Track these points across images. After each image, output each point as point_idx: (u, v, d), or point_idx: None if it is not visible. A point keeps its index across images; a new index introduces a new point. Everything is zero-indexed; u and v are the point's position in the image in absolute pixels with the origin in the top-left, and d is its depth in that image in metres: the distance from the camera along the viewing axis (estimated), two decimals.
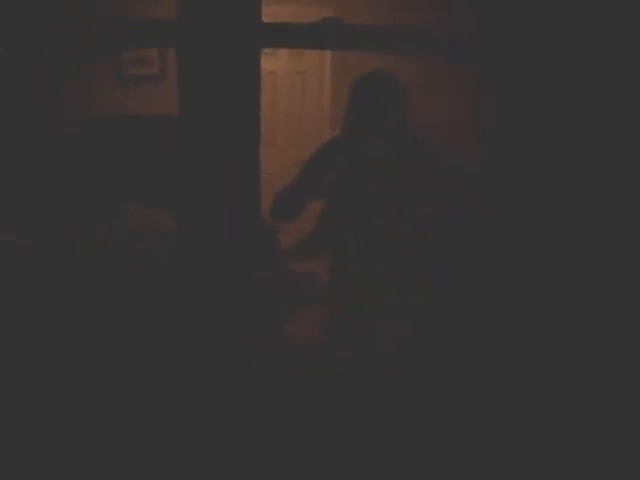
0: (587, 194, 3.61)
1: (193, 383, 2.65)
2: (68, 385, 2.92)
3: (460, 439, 2.87)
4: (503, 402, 2.97)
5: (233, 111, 1.70)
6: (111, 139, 5.18)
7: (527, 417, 2.97)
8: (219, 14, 1.47)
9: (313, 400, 2.89)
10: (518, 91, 4.36)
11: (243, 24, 1.48)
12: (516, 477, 2.82)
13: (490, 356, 3.01)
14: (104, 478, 2.69)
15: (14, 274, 3.13)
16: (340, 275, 3.12)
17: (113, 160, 5.05)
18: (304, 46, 1.87)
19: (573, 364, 3.09)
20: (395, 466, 2.82)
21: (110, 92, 5.60)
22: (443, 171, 3.09)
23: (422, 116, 3.17)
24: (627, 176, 3.19)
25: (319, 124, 5.71)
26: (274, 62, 5.46)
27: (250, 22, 1.51)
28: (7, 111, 5.42)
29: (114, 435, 2.77)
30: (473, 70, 4.80)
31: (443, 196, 3.05)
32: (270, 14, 2.84)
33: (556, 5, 3.58)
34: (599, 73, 3.31)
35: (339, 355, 3.05)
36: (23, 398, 2.87)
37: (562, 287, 3.22)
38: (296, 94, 5.71)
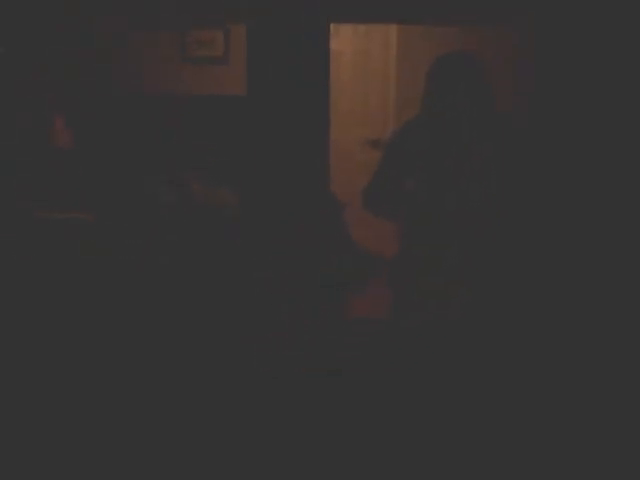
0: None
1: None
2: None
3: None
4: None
5: (302, 90, 1.69)
6: (176, 117, 5.26)
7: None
8: None
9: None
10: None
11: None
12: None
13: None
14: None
15: (80, 250, 3.19)
16: (412, 254, 3.09)
17: (178, 137, 5.13)
18: (373, 21, 1.85)
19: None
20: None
21: (175, 72, 5.67)
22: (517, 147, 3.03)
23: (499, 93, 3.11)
24: None
25: (385, 102, 5.68)
26: (338, 41, 5.44)
27: None
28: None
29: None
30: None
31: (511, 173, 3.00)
32: None
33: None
34: None
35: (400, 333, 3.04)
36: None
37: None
38: (360, 73, 5.68)
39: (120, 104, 5.46)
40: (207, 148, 4.93)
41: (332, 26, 3.53)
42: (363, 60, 5.67)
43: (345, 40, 5.53)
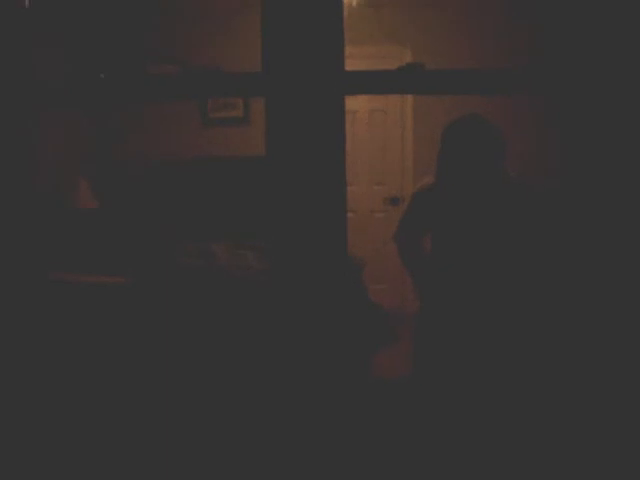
0: None
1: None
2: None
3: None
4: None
5: (318, 154, 1.76)
6: (200, 180, 5.34)
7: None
8: (304, 64, 1.55)
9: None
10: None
11: (327, 73, 1.55)
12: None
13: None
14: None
15: (113, 313, 3.24)
16: (437, 309, 3.12)
17: (202, 200, 5.20)
18: (386, 92, 1.93)
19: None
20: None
21: (197, 134, 5.79)
22: (537, 208, 3.07)
23: (513, 155, 3.16)
24: None
25: (402, 161, 5.74)
26: (355, 101, 5.54)
27: (333, 71, 1.58)
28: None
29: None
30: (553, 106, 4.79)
31: (534, 230, 3.04)
32: (348, 54, 2.92)
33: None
34: None
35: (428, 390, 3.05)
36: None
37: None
38: (377, 132, 5.76)
39: (145, 169, 5.57)
40: (231, 210, 5.00)
41: None
42: (380, 119, 5.75)
43: (362, 99, 5.63)
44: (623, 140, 4.54)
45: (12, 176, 1.49)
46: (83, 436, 2.92)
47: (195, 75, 2.41)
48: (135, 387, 3.09)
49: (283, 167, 1.68)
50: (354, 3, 4.48)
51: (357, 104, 5.61)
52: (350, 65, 1.52)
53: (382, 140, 5.76)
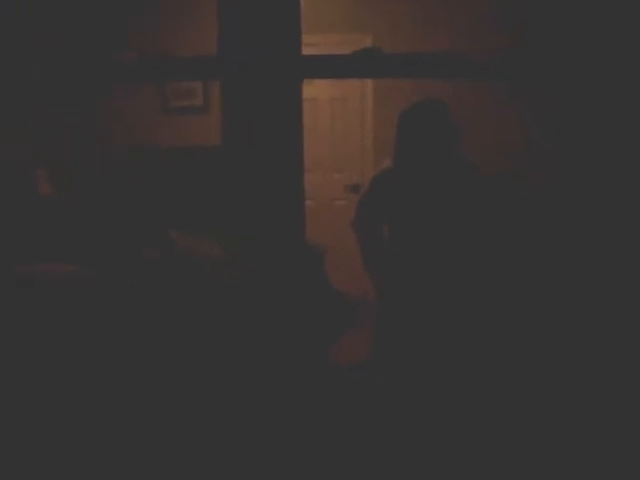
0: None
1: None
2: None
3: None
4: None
5: (276, 140, 1.75)
6: (157, 169, 5.27)
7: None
8: (260, 48, 1.53)
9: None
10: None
11: (283, 57, 1.53)
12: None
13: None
14: None
15: (82, 303, 3.19)
16: (395, 294, 3.13)
17: (159, 189, 5.14)
18: (344, 76, 1.91)
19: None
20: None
21: (155, 122, 5.73)
22: (490, 194, 3.10)
23: (469, 140, 3.18)
24: None
25: (362, 149, 5.74)
26: (314, 89, 5.51)
27: (290, 55, 1.57)
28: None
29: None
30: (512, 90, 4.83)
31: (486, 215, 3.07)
32: (309, 42, 2.90)
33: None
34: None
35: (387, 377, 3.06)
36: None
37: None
38: (338, 119, 5.74)
39: (102, 156, 5.50)
40: (190, 199, 4.95)
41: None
42: (341, 106, 5.74)
43: (322, 87, 5.60)
44: (596, 127, 4.59)
45: None
46: (45, 430, 2.88)
47: (150, 60, 2.37)
48: (90, 381, 3.05)
49: (239, 152, 1.66)
50: None
51: (317, 91, 5.58)
52: (312, 52, 1.50)
53: (342, 127, 5.75)
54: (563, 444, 2.86)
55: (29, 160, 5.10)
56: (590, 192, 4.58)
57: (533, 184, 4.80)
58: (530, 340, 3.24)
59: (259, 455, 2.75)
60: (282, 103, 1.61)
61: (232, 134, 1.73)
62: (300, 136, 1.76)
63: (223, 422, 2.77)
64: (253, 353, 2.76)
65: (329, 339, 3.13)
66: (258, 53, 1.47)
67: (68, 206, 4.89)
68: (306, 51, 2.57)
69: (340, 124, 5.76)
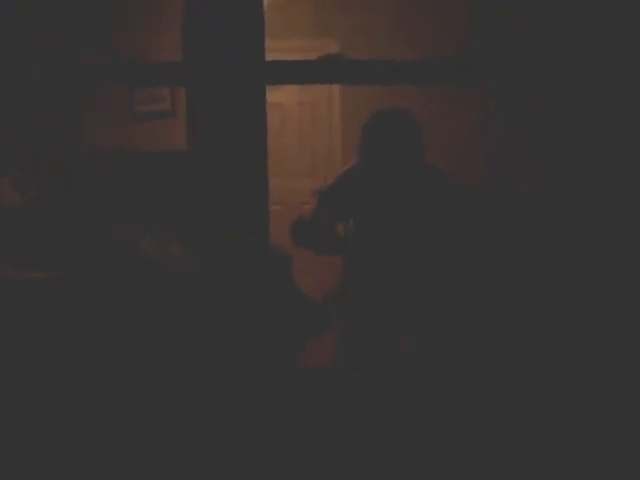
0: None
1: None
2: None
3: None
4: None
5: (240, 145, 1.76)
6: (122, 174, 5.24)
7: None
8: (223, 54, 1.55)
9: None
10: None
11: (247, 63, 1.56)
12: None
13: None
14: None
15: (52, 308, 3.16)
16: (361, 298, 3.16)
17: (125, 194, 5.10)
18: (307, 82, 1.93)
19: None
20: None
21: (123, 127, 5.70)
22: (456, 202, 3.14)
23: (433, 148, 3.22)
24: None
25: (330, 153, 5.76)
26: (281, 94, 5.52)
27: (254, 60, 1.59)
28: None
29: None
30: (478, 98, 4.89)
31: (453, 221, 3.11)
32: (276, 48, 2.91)
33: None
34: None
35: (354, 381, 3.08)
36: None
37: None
38: (305, 124, 5.77)
39: (70, 161, 5.46)
40: (157, 204, 4.93)
41: None
42: (308, 111, 5.77)
43: (290, 92, 5.62)
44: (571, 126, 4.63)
45: None
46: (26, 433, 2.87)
47: (116, 65, 2.38)
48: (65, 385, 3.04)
49: (204, 157, 1.67)
50: None
51: (284, 97, 5.60)
52: (279, 58, 1.51)
53: (310, 132, 5.78)
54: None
55: None
56: (574, 197, 4.63)
57: (509, 189, 4.86)
58: (512, 340, 3.28)
59: (234, 458, 2.75)
60: (246, 108, 1.63)
61: (197, 139, 1.74)
62: (264, 141, 1.78)
63: (200, 423, 2.78)
64: (222, 357, 2.77)
65: (297, 344, 3.14)
66: (221, 59, 1.49)
67: (35, 217, 4.84)
68: (273, 56, 2.60)
69: (308, 129, 5.78)
